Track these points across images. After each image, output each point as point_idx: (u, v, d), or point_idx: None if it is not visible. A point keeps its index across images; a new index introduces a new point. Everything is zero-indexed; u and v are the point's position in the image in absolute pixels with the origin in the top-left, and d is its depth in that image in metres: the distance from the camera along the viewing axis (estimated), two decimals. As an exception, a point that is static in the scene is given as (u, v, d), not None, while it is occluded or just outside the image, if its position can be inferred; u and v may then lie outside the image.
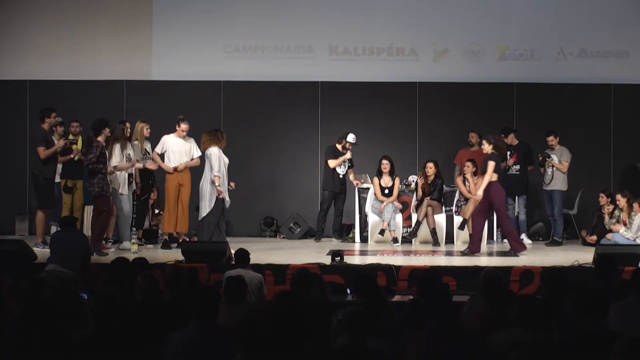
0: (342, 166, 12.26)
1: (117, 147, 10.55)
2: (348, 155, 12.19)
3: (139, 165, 10.89)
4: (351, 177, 12.32)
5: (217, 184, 10.33)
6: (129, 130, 10.83)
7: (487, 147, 10.43)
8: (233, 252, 9.17)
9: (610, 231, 11.28)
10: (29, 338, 4.61)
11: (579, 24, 13.20)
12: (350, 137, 12.22)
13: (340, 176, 12.26)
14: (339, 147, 12.26)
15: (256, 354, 4.58)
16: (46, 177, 10.57)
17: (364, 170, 12.42)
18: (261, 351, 4.58)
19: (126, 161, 10.59)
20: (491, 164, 10.22)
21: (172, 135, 11.12)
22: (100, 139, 10.19)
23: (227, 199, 10.54)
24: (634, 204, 11.16)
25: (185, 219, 11.01)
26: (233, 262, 9.05)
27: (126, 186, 10.66)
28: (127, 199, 10.66)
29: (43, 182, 10.57)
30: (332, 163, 12.20)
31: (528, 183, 12.32)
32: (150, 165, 11.00)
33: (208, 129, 10.90)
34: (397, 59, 13.35)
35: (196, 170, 11.05)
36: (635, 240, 10.89)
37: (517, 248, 10.35)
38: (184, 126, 11.05)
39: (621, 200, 11.28)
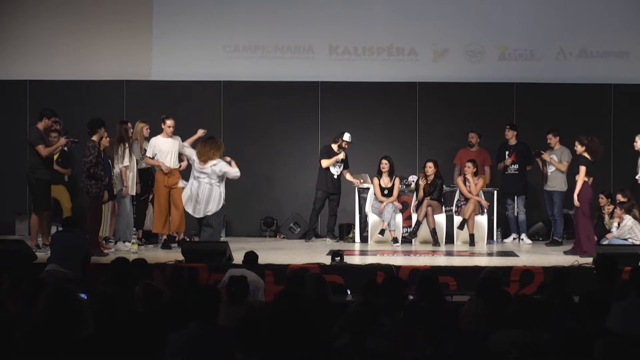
0: (337, 167, 12.22)
1: (135, 145, 10.70)
2: (341, 155, 12.14)
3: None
4: (348, 177, 12.27)
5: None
6: (131, 131, 10.81)
7: (579, 149, 10.27)
8: (233, 251, 9.19)
9: (610, 231, 11.27)
10: (28, 338, 4.61)
11: (579, 24, 13.20)
12: (346, 136, 12.15)
13: (335, 177, 12.20)
14: (334, 147, 12.21)
15: (256, 354, 4.57)
16: (39, 179, 10.34)
17: (364, 170, 12.41)
18: (261, 351, 4.57)
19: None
20: (583, 169, 10.07)
21: (159, 136, 11.01)
22: (95, 138, 10.11)
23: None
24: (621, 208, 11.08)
25: (181, 220, 10.93)
26: (234, 262, 9.07)
27: (134, 187, 10.64)
28: (130, 201, 10.62)
29: (36, 184, 10.42)
30: (324, 163, 12.15)
31: (527, 183, 12.32)
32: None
33: (208, 128, 10.92)
34: (397, 59, 13.35)
35: (185, 172, 11.05)
36: (627, 239, 10.87)
37: (582, 249, 10.15)
38: (169, 122, 10.93)
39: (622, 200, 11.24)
